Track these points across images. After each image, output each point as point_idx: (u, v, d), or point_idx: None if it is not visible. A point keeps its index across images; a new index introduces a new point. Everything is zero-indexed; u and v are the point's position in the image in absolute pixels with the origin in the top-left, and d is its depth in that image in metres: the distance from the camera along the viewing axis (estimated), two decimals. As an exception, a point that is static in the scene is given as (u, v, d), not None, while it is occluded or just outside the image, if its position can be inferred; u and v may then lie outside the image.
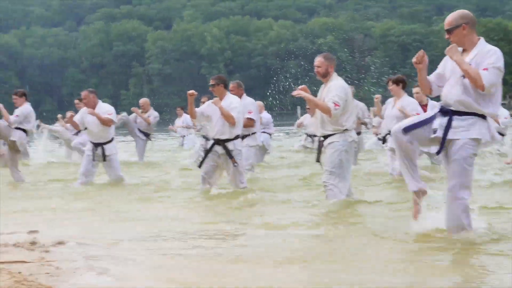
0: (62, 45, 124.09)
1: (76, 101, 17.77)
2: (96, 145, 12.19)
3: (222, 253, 5.90)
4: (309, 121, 18.36)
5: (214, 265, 5.49)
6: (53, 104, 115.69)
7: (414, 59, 6.28)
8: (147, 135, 17.53)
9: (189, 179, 12.13)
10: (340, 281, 4.91)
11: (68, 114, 17.07)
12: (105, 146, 12.20)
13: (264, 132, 15.74)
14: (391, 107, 11.50)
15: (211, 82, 10.42)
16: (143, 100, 18.17)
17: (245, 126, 11.74)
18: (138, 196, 10.26)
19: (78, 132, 17.52)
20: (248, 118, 11.80)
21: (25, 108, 12.97)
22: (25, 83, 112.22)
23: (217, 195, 9.84)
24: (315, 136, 18.22)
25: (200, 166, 10.31)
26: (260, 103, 15.72)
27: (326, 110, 8.30)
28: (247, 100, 12.01)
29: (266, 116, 16.69)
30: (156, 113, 17.92)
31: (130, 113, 17.88)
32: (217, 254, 5.89)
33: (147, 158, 17.93)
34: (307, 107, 18.39)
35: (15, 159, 12.99)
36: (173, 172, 13.93)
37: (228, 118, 10.14)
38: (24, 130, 12.92)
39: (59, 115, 20.55)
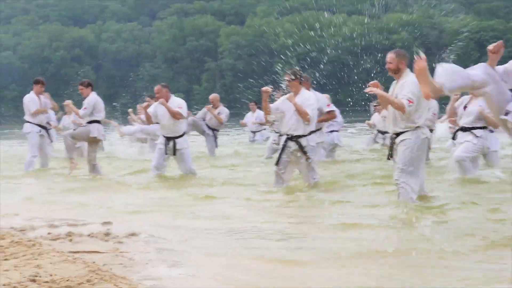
0: (136, 40, 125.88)
1: (147, 98, 18.01)
2: (168, 139, 12.36)
3: (285, 254, 5.86)
4: (377, 120, 18.19)
5: (277, 265, 5.50)
6: (126, 98, 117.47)
7: (490, 47, 6.18)
8: (215, 130, 17.57)
9: (258, 174, 12.16)
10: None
11: (143, 105, 17.25)
12: (177, 140, 12.34)
13: (332, 131, 15.60)
14: (470, 105, 11.27)
15: (287, 77, 10.41)
16: (213, 96, 18.18)
17: (327, 119, 11.74)
18: (207, 191, 10.30)
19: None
20: (328, 111, 11.74)
21: (92, 99, 13.14)
22: (101, 77, 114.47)
23: (283, 192, 9.84)
24: (386, 133, 18.07)
25: (277, 163, 10.31)
26: (326, 96, 15.56)
27: (399, 107, 8.22)
28: (317, 94, 11.97)
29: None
30: (227, 110, 17.95)
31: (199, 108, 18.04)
32: (281, 254, 5.86)
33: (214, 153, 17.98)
34: (374, 104, 18.28)
35: (93, 151, 13.23)
36: (241, 168, 13.98)
37: (303, 115, 10.12)
38: (98, 121, 13.15)
39: (130, 110, 20.83)
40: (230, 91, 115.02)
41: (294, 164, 10.39)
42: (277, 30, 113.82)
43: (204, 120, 17.59)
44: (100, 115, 13.26)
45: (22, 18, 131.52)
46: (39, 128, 14.42)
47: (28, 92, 14.69)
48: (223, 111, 17.71)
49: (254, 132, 21.96)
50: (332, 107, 11.99)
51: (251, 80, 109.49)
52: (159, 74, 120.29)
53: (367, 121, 18.52)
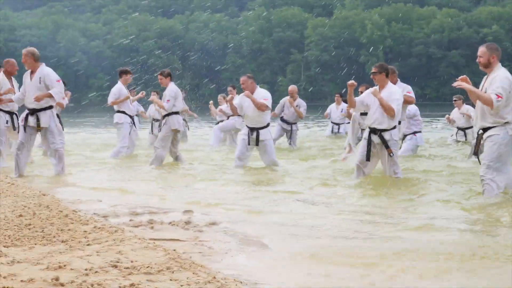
0: (223, 31, 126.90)
1: (229, 89, 18.10)
2: (252, 129, 12.39)
3: (366, 253, 5.80)
4: (457, 116, 17.71)
5: (357, 263, 5.45)
6: (211, 88, 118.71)
7: None
8: (293, 124, 17.23)
9: (338, 169, 12.08)
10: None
11: (227, 98, 17.30)
12: (261, 131, 12.37)
13: (415, 132, 15.06)
14: None
15: (373, 70, 10.26)
16: (292, 87, 17.98)
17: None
18: (286, 186, 10.26)
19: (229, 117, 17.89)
20: (407, 95, 11.54)
21: (171, 89, 13.29)
22: (187, 67, 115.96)
23: (363, 187, 9.74)
24: (466, 129, 17.66)
25: (368, 158, 10.20)
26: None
27: (488, 102, 8.01)
28: (401, 85, 11.78)
29: (413, 108, 15.05)
30: (304, 104, 17.77)
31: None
32: (362, 254, 5.81)
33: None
34: (454, 99, 17.78)
35: (176, 140, 13.39)
36: (320, 162, 13.90)
37: (388, 110, 9.98)
38: (177, 113, 13.27)
39: (211, 102, 20.95)
40: (315, 83, 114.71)
41: (377, 157, 10.28)
42: (365, 22, 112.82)
43: (282, 112, 17.37)
44: (180, 105, 13.40)
45: (112, 8, 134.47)
46: (130, 118, 14.69)
47: (116, 81, 14.94)
48: (301, 104, 17.50)
49: (338, 124, 21.76)
50: (412, 95, 11.87)
51: (335, 74, 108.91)
52: (245, 65, 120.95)
53: (447, 116, 17.96)
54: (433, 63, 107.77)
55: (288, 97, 17.50)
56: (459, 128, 18.01)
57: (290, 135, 17.38)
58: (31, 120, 11.12)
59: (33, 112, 11.11)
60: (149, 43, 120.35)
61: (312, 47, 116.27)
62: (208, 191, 9.54)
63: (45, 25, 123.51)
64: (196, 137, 22.42)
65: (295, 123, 17.45)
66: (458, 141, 17.97)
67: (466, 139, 17.54)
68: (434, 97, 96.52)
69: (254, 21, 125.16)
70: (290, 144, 17.33)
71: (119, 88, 14.65)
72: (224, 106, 18.09)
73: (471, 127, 16.78)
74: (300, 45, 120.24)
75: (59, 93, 11.09)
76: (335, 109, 21.64)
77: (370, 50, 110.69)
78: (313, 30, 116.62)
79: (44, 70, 11.20)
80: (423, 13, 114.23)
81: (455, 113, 17.79)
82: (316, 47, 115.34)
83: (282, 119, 17.42)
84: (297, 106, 17.24)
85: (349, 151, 13.47)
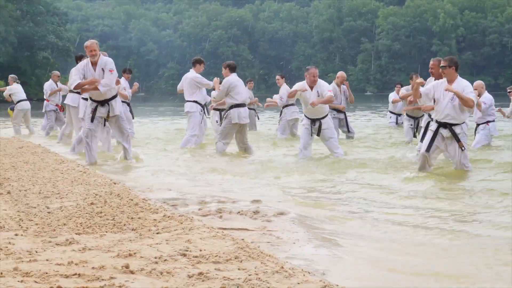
0: (294, 20, 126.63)
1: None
2: (313, 120, 12.42)
3: (439, 245, 5.72)
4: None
5: (429, 252, 5.37)
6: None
7: None
8: (340, 112, 16.70)
9: (398, 160, 11.96)
10: None
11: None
12: (322, 121, 12.40)
13: (488, 121, 14.57)
14: None
15: (443, 63, 10.07)
16: (341, 73, 17.24)
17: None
18: (352, 175, 10.20)
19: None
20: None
21: (225, 81, 13.42)
22: (256, 56, 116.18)
23: (429, 179, 9.59)
24: None
25: (428, 149, 10.05)
26: (480, 82, 14.69)
27: None
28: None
29: (488, 99, 14.55)
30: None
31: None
32: (433, 245, 5.72)
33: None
34: (508, 90, 17.03)
35: (242, 132, 13.44)
36: (382, 152, 13.76)
37: (468, 102, 9.73)
38: (239, 105, 13.29)
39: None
40: (385, 72, 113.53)
41: (441, 150, 10.14)
42: (438, 10, 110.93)
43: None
44: (239, 97, 13.38)
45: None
46: (201, 107, 14.71)
47: (188, 70, 14.97)
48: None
49: (399, 115, 21.29)
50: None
51: (406, 63, 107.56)
52: (314, 54, 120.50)
53: (498, 108, 16.94)
54: (507, 52, 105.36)
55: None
56: None
57: (346, 123, 16.81)
58: (103, 111, 11.33)
59: (103, 102, 11.32)
60: (219, 33, 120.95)
61: (383, 36, 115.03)
62: (277, 181, 9.55)
63: (117, 15, 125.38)
64: (264, 126, 22.45)
65: (342, 112, 16.67)
66: None
67: None
68: (508, 87, 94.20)
69: (325, 10, 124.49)
70: (348, 132, 16.87)
71: (198, 75, 14.65)
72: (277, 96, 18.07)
73: None
74: (370, 34, 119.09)
75: (106, 84, 11.24)
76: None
77: (442, 39, 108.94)
78: (384, 19, 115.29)
79: (104, 59, 11.41)
80: (497, 1, 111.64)
81: None
82: (387, 36, 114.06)
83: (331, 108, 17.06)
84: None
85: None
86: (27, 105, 20.14)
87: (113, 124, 11.56)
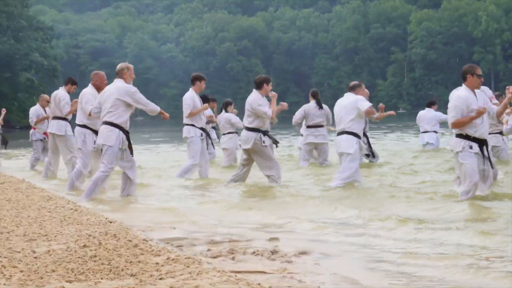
0: (313, 28, 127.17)
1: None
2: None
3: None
4: None
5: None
6: (300, 94, 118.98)
7: None
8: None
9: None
10: None
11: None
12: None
13: None
14: None
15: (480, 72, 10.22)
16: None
17: None
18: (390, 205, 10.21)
19: None
20: None
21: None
22: (271, 70, 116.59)
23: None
24: None
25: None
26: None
27: None
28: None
29: None
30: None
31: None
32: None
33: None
34: None
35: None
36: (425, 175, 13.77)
37: None
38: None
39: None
40: (420, 86, 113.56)
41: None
42: (480, 13, 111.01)
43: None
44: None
45: (185, 7, 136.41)
46: (201, 131, 14.71)
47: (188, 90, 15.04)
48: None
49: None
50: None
51: (444, 74, 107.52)
52: (338, 67, 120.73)
53: None
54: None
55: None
56: None
57: (369, 146, 16.76)
58: (126, 142, 11.45)
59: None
60: (227, 45, 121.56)
61: (417, 44, 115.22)
62: (300, 214, 9.54)
63: (110, 28, 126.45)
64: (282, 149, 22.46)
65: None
66: None
67: None
68: None
69: (348, 16, 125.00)
70: (370, 156, 16.84)
71: (192, 97, 14.70)
72: None
73: None
74: (402, 42, 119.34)
75: None
76: (433, 114, 21.12)
77: (485, 45, 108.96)
78: (418, 25, 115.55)
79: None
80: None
81: None
82: (421, 45, 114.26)
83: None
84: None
85: None
86: None
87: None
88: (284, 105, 13.06)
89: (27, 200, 10.49)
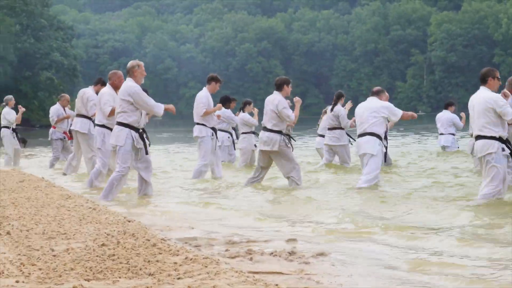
0: (332, 30, 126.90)
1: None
2: None
3: None
4: None
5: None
6: (319, 96, 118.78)
7: None
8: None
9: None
10: None
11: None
12: None
13: None
14: None
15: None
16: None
17: None
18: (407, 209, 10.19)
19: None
20: None
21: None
22: (290, 71, 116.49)
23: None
24: None
25: None
26: None
27: None
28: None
29: None
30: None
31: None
32: None
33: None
34: None
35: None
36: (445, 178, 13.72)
37: None
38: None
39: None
40: (440, 88, 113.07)
41: None
42: (500, 15, 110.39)
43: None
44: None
45: (205, 7, 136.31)
46: (212, 131, 14.71)
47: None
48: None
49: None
50: None
51: (464, 77, 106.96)
52: (357, 69, 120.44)
53: None
54: None
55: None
56: None
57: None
58: (141, 141, 11.39)
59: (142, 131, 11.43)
60: (247, 46, 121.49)
61: (437, 46, 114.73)
62: (319, 216, 9.53)
63: (130, 29, 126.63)
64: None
65: None
66: None
67: None
68: None
69: (368, 18, 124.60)
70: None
71: (207, 96, 14.73)
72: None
73: None
74: (422, 44, 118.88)
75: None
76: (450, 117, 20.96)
77: (506, 48, 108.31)
78: (438, 27, 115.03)
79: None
80: None
81: None
82: (441, 47, 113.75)
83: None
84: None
85: None
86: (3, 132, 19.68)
87: (137, 155, 11.63)
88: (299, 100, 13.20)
89: (46, 198, 10.54)
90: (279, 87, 12.76)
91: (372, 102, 12.64)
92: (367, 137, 12.47)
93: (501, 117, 9.94)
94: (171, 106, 11.75)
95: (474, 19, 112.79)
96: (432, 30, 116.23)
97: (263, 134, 12.88)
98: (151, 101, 11.21)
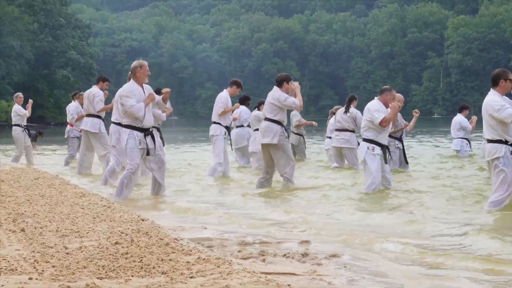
0: (349, 32, 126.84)
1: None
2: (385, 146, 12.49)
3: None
4: None
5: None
6: (334, 98, 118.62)
7: None
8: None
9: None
10: None
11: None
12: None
13: None
14: None
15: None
16: (398, 96, 16.91)
17: None
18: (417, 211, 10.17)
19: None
20: None
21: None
22: (306, 73, 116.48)
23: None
24: None
25: None
26: None
27: None
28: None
29: None
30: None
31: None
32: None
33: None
34: None
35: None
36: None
37: None
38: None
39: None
40: (456, 91, 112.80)
41: None
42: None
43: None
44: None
45: (222, 8, 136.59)
46: (225, 130, 14.89)
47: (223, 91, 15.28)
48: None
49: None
50: None
51: (480, 81, 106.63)
52: (373, 71, 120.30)
53: None
54: None
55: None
56: None
57: (402, 153, 16.40)
58: (149, 141, 11.39)
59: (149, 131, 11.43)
60: (263, 46, 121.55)
61: (453, 49, 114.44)
62: (332, 217, 9.52)
63: (147, 28, 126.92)
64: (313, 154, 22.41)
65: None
66: None
67: None
68: None
69: (385, 20, 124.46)
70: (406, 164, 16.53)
71: (226, 97, 14.92)
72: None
73: None
74: (438, 47, 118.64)
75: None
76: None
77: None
78: (455, 30, 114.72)
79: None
80: None
81: None
82: (458, 50, 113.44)
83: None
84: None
85: None
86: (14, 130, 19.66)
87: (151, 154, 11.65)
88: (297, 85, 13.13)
89: (60, 196, 10.57)
90: (279, 83, 12.87)
91: (369, 104, 12.35)
92: (362, 143, 12.34)
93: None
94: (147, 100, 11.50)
95: (491, 23, 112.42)
96: (449, 33, 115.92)
97: (263, 123, 12.91)
98: (133, 106, 11.08)
